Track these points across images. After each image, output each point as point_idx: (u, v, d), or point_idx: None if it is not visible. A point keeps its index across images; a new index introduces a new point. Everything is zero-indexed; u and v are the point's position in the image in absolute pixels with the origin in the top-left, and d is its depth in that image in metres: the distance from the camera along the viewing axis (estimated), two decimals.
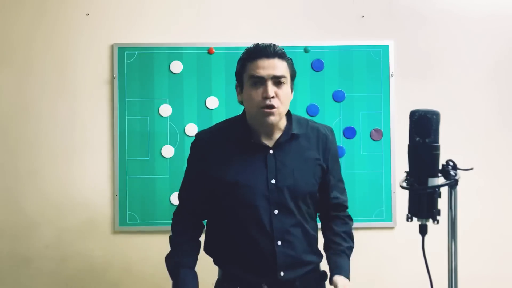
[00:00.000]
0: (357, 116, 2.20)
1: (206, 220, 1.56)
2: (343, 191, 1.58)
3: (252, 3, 2.22)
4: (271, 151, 1.44)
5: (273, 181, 1.42)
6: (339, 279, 1.43)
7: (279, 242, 1.41)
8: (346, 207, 1.59)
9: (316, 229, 1.55)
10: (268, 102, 1.35)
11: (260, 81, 1.37)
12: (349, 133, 2.19)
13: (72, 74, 2.19)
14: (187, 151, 2.14)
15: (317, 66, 2.19)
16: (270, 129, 1.43)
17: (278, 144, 1.44)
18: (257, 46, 1.42)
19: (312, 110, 2.19)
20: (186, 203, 1.53)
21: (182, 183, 1.56)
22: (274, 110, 1.36)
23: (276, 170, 1.42)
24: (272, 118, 1.37)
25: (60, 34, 2.19)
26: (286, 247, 1.42)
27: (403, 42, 2.23)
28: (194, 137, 1.52)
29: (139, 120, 2.17)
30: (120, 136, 2.16)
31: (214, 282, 1.56)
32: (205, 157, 1.46)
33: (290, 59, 1.45)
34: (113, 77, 2.17)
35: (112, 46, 2.18)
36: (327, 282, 1.53)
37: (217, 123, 1.57)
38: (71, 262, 2.19)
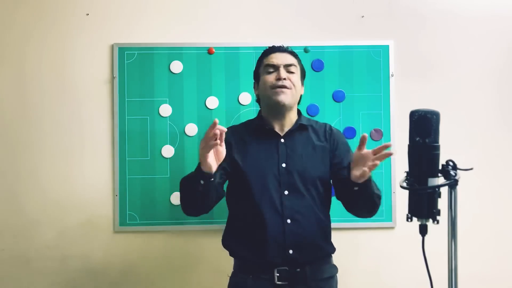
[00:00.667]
0: (357, 116, 2.20)
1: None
2: None
3: (252, 3, 2.22)
4: (282, 140, 1.63)
5: (283, 165, 1.59)
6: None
7: (288, 221, 1.54)
8: None
9: (328, 218, 1.65)
10: (280, 82, 1.58)
11: (274, 68, 1.62)
12: (349, 133, 2.19)
13: (72, 74, 2.19)
14: (187, 151, 2.16)
15: (317, 66, 2.19)
16: (282, 111, 1.62)
17: (288, 133, 1.64)
18: (271, 46, 1.71)
19: (312, 110, 2.19)
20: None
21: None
22: (286, 90, 1.58)
23: (287, 156, 1.60)
24: (283, 97, 1.58)
25: (60, 34, 2.19)
26: (295, 226, 1.54)
27: (403, 42, 2.23)
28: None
29: (139, 120, 2.17)
30: (120, 136, 2.16)
31: (230, 274, 1.66)
32: (231, 142, 1.63)
33: (300, 60, 1.72)
34: (113, 77, 2.17)
35: (112, 46, 2.18)
36: (338, 261, 1.63)
37: (244, 121, 1.80)
38: (71, 262, 2.19)
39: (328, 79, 2.20)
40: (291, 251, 1.53)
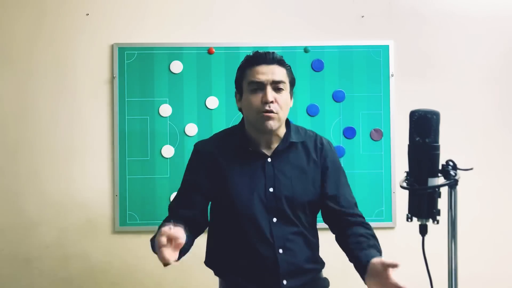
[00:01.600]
0: (357, 116, 2.20)
1: (207, 232, 1.53)
2: (353, 205, 1.50)
3: (252, 3, 2.22)
4: (269, 159, 1.44)
5: (271, 189, 1.42)
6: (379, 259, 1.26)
7: (280, 250, 1.40)
8: (362, 218, 1.49)
9: (316, 236, 1.53)
10: (267, 107, 1.35)
11: (260, 87, 1.38)
12: (349, 133, 2.19)
13: (72, 74, 2.19)
14: (187, 151, 2.16)
15: (317, 66, 2.19)
16: (269, 135, 1.42)
17: (276, 152, 1.44)
18: (256, 53, 1.42)
19: (312, 110, 2.19)
20: (181, 212, 1.43)
21: (179, 191, 1.49)
22: (273, 115, 1.36)
23: (275, 179, 1.42)
24: (271, 123, 1.37)
25: (60, 34, 2.19)
26: (288, 255, 1.41)
27: (403, 42, 2.23)
28: (193, 147, 1.51)
29: (139, 120, 2.17)
30: (120, 136, 2.16)
31: None
32: (204, 166, 1.45)
33: (289, 66, 1.45)
34: (113, 77, 2.17)
35: (112, 46, 2.18)
36: None
37: (216, 133, 1.56)
38: (71, 262, 2.19)
39: (328, 79, 2.20)
40: (285, 282, 1.41)
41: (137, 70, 2.17)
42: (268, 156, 1.44)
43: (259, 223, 1.40)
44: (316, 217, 1.53)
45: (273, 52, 1.42)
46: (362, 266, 1.32)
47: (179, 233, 1.12)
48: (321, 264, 1.53)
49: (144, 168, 2.16)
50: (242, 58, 2.13)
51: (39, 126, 2.18)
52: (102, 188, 2.18)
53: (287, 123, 1.48)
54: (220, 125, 2.17)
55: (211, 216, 1.53)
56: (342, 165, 1.56)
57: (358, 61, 2.20)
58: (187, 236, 1.22)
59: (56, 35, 2.19)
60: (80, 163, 2.18)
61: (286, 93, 1.40)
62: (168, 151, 2.16)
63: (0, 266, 2.18)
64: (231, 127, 1.56)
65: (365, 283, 1.31)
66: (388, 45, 2.21)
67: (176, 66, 2.17)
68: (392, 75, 2.21)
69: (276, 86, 1.38)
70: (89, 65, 2.19)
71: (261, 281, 1.41)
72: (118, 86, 2.17)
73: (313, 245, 1.50)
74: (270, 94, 1.36)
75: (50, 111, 2.18)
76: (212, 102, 2.18)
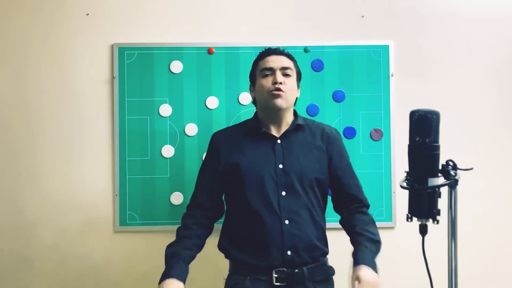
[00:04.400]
0: (357, 116, 2.20)
1: (222, 219, 1.71)
2: (358, 188, 1.68)
3: (252, 3, 2.22)
4: (278, 141, 1.62)
5: (280, 166, 1.58)
6: (361, 270, 1.41)
7: (286, 222, 1.54)
8: (364, 203, 1.67)
9: (324, 221, 1.66)
10: (277, 86, 1.56)
11: (270, 71, 1.60)
12: (349, 133, 2.19)
13: (72, 74, 2.19)
14: (187, 151, 2.16)
15: (317, 66, 2.19)
16: (278, 114, 1.61)
17: (285, 134, 1.63)
18: (267, 48, 1.67)
19: (312, 110, 2.19)
20: (200, 197, 1.67)
21: (198, 177, 1.71)
22: (281, 93, 1.56)
23: (284, 157, 1.59)
24: (280, 101, 1.57)
25: (60, 34, 2.19)
26: (293, 227, 1.54)
27: (403, 42, 2.23)
28: (212, 136, 1.73)
29: (139, 120, 2.17)
30: (120, 136, 2.16)
31: (225, 277, 1.64)
32: (220, 148, 1.65)
33: (296, 61, 1.68)
34: (113, 77, 2.17)
35: (112, 46, 2.18)
36: (335, 277, 1.64)
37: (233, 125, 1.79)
38: (71, 262, 2.19)
39: (328, 79, 2.20)
40: (289, 252, 1.53)
41: (137, 70, 2.17)
42: (277, 138, 1.62)
43: (268, 195, 1.55)
44: (324, 202, 1.69)
45: (283, 49, 1.67)
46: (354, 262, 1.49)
47: None
48: (326, 247, 1.65)
49: (144, 168, 2.16)
50: (242, 58, 2.17)
51: (39, 126, 2.18)
52: (102, 188, 2.18)
53: (295, 113, 1.69)
54: (220, 125, 2.16)
55: (227, 201, 1.70)
56: (347, 154, 1.74)
57: (358, 61, 2.20)
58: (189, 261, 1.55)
59: (56, 35, 2.19)
60: (80, 163, 2.18)
61: (293, 79, 1.62)
62: (168, 151, 2.16)
63: (0, 266, 2.18)
64: (246, 120, 1.77)
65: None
66: (388, 45, 2.21)
67: (176, 66, 2.17)
68: (392, 75, 2.21)
69: (285, 72, 1.60)
70: (89, 65, 2.19)
71: (267, 255, 1.53)
72: (118, 86, 2.17)
73: (319, 225, 1.62)
74: (280, 76, 1.58)
75: (50, 111, 2.18)
76: (212, 102, 2.18)
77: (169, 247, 1.59)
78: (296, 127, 1.64)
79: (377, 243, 1.54)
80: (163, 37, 2.19)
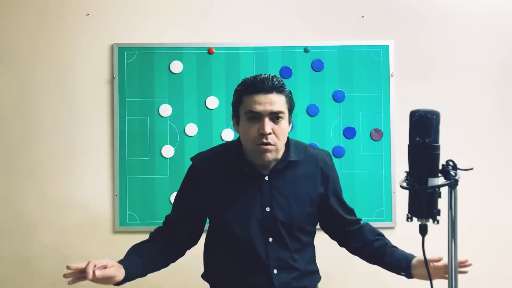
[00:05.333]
0: (357, 116, 2.20)
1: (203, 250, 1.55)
2: (350, 211, 1.58)
3: (252, 3, 2.22)
4: (266, 178, 1.41)
5: (267, 209, 1.40)
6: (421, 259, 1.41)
7: (275, 271, 1.40)
8: (359, 220, 1.60)
9: (313, 246, 1.54)
10: (264, 139, 1.32)
11: (257, 116, 1.33)
12: (349, 133, 2.19)
13: (72, 74, 2.19)
14: (187, 151, 2.16)
15: (317, 66, 2.19)
16: (266, 164, 1.40)
17: (274, 171, 1.41)
18: (255, 79, 1.36)
19: (312, 110, 2.19)
20: (173, 223, 1.48)
21: (174, 205, 1.52)
22: (270, 147, 1.33)
23: (272, 198, 1.40)
24: (268, 155, 1.34)
25: (60, 34, 2.19)
26: (283, 275, 1.41)
27: (403, 42, 2.23)
28: (191, 162, 1.49)
29: (139, 120, 2.17)
30: (120, 136, 2.16)
31: None
32: (201, 184, 1.44)
33: (289, 91, 1.39)
34: (113, 77, 2.17)
35: (112, 46, 2.18)
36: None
37: (214, 147, 1.54)
38: (71, 262, 2.18)
39: (328, 79, 2.20)
40: None
41: (137, 70, 2.17)
42: (265, 175, 1.41)
43: (254, 244, 1.39)
44: (314, 229, 1.53)
45: (272, 78, 1.35)
46: (401, 267, 1.50)
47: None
48: (317, 276, 1.54)
49: (144, 168, 2.16)
50: (242, 58, 2.17)
51: (39, 126, 2.18)
52: (102, 188, 2.18)
53: (287, 140, 1.43)
54: (220, 125, 2.17)
55: (208, 230, 1.53)
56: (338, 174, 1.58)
57: (358, 61, 2.20)
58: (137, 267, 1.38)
59: (56, 35, 2.19)
60: (80, 163, 2.18)
61: (284, 121, 1.36)
62: (168, 151, 2.16)
63: (0, 266, 2.18)
64: (229, 142, 1.55)
65: (410, 276, 1.50)
66: (388, 45, 2.21)
67: (176, 66, 2.17)
68: (392, 75, 2.21)
69: (275, 116, 1.34)
70: (89, 65, 2.19)
71: None
72: (118, 86, 2.17)
73: (310, 258, 1.52)
74: (268, 125, 1.32)
75: (50, 111, 2.18)
76: (212, 102, 2.18)
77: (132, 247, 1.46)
78: (288, 164, 1.42)
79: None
80: (163, 37, 2.19)
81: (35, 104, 2.18)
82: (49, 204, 2.17)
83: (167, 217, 1.51)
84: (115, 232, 2.18)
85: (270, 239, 1.40)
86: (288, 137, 1.43)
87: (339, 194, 1.54)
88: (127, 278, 1.33)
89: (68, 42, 2.19)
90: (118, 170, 2.16)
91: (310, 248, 1.52)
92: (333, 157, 1.72)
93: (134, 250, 1.43)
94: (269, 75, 1.36)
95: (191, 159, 1.50)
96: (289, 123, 1.41)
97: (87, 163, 2.18)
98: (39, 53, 2.18)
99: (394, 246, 1.52)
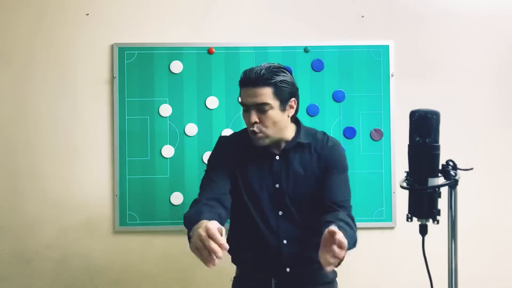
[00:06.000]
0: (357, 116, 2.20)
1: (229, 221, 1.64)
2: (344, 203, 1.52)
3: (252, 3, 2.22)
4: (277, 157, 1.55)
5: (277, 185, 1.54)
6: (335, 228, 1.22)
7: (285, 241, 1.53)
8: (342, 206, 1.51)
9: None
10: (251, 128, 1.47)
11: (247, 108, 1.48)
12: (349, 133, 2.19)
13: (72, 74, 2.19)
14: (187, 151, 2.16)
15: (317, 66, 2.19)
16: (274, 146, 1.54)
17: (283, 152, 1.55)
18: (244, 73, 1.48)
19: (312, 110, 2.19)
20: (206, 191, 1.51)
21: (205, 175, 1.57)
22: (258, 134, 1.47)
23: (281, 175, 1.54)
24: (260, 141, 1.49)
25: (60, 34, 2.19)
26: (291, 246, 1.53)
27: (403, 42, 2.23)
28: (218, 139, 1.64)
29: (139, 120, 2.17)
30: (120, 136, 2.16)
31: (232, 278, 1.69)
32: (229, 156, 1.57)
33: (280, 81, 1.45)
34: (113, 77, 2.17)
35: (112, 46, 2.18)
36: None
37: (237, 131, 1.69)
38: (71, 262, 2.19)
39: (328, 79, 2.20)
40: (288, 269, 1.54)
41: (137, 70, 2.17)
42: (277, 154, 1.55)
43: (267, 215, 1.54)
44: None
45: (260, 71, 1.44)
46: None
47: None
48: None
49: (144, 168, 2.16)
50: (242, 58, 2.17)
51: (39, 126, 2.18)
52: (102, 188, 2.18)
53: (298, 124, 1.59)
54: (220, 125, 2.17)
55: (231, 207, 1.60)
56: (346, 165, 1.59)
57: (358, 61, 2.20)
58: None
59: (56, 35, 2.19)
60: (80, 163, 2.18)
61: (272, 111, 1.46)
62: (168, 151, 2.16)
63: (0, 266, 2.18)
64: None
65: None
66: (388, 45, 2.21)
67: (176, 66, 2.17)
68: (392, 75, 2.21)
69: (260, 108, 1.45)
70: (89, 65, 2.19)
71: (268, 268, 1.55)
72: (118, 86, 2.17)
73: (320, 240, 1.46)
74: (254, 116, 1.46)
75: (50, 111, 2.18)
76: (212, 102, 2.18)
77: (187, 213, 1.42)
78: (297, 145, 1.55)
79: (353, 232, 1.40)
80: (163, 37, 2.19)
81: (35, 104, 2.18)
82: (49, 204, 2.18)
83: (203, 184, 1.55)
84: (115, 232, 2.18)
85: (280, 213, 1.54)
86: (299, 122, 1.59)
87: (331, 176, 1.53)
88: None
89: (68, 42, 2.19)
90: (118, 170, 2.16)
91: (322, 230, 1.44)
92: None
93: (201, 212, 1.35)
94: (263, 66, 1.47)
95: (219, 137, 1.66)
96: (286, 109, 1.50)
97: (87, 163, 2.18)
98: (39, 53, 2.18)
99: (338, 225, 1.31)
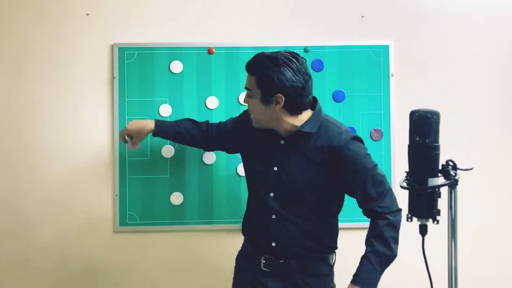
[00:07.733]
0: (357, 116, 2.20)
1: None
2: (374, 197, 1.61)
3: (252, 3, 2.22)
4: (282, 142, 1.63)
5: (275, 168, 1.62)
6: None
7: (273, 216, 1.64)
8: (381, 213, 1.63)
9: (326, 222, 1.67)
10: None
11: None
12: None
13: (72, 74, 2.18)
14: (187, 151, 2.16)
15: (317, 66, 2.19)
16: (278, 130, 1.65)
17: (288, 138, 1.62)
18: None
19: None
20: (215, 126, 1.91)
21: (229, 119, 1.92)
22: (251, 116, 1.63)
23: (281, 159, 1.62)
24: (252, 122, 1.63)
25: (60, 34, 2.19)
26: (279, 223, 1.63)
27: (403, 42, 2.23)
28: (242, 112, 1.85)
29: None
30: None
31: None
32: (244, 131, 1.73)
33: (264, 74, 1.51)
34: (113, 77, 2.17)
35: (112, 46, 2.18)
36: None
37: None
38: (71, 262, 2.19)
39: (328, 79, 2.20)
40: (273, 244, 1.63)
41: (137, 70, 2.17)
42: (282, 139, 1.63)
43: (260, 192, 1.66)
44: (327, 205, 1.66)
45: (254, 58, 1.57)
46: None
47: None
48: (325, 247, 1.66)
49: (144, 168, 2.16)
50: (242, 58, 2.17)
51: (39, 126, 2.18)
52: (102, 188, 2.17)
53: (314, 107, 1.62)
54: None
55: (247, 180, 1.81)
56: (363, 163, 1.60)
57: (358, 61, 2.20)
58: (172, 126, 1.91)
59: (56, 35, 2.19)
60: (80, 163, 2.18)
61: (252, 100, 1.58)
62: (168, 151, 2.16)
63: (0, 266, 2.18)
64: None
65: None
66: (388, 45, 2.21)
67: (176, 66, 2.17)
68: (392, 75, 2.21)
69: (247, 92, 1.60)
70: (89, 65, 2.18)
71: (258, 241, 1.69)
72: (118, 86, 2.17)
73: (315, 226, 1.63)
74: (243, 98, 1.67)
75: (50, 111, 2.18)
76: (212, 102, 2.18)
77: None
78: (299, 134, 1.58)
79: (383, 256, 1.55)
80: (163, 37, 2.19)
81: (35, 104, 2.18)
82: (49, 204, 2.17)
83: (217, 123, 1.92)
84: (115, 232, 2.18)
85: (272, 194, 1.64)
86: (317, 112, 1.60)
87: (349, 178, 1.60)
88: (157, 130, 1.89)
89: (68, 42, 2.18)
90: (118, 170, 2.16)
91: (320, 220, 1.64)
92: None
93: (177, 121, 1.92)
94: (264, 53, 1.56)
95: (244, 110, 1.80)
96: (271, 102, 1.53)
97: (87, 163, 2.18)
98: (38, 53, 2.18)
99: (366, 257, 1.56)
